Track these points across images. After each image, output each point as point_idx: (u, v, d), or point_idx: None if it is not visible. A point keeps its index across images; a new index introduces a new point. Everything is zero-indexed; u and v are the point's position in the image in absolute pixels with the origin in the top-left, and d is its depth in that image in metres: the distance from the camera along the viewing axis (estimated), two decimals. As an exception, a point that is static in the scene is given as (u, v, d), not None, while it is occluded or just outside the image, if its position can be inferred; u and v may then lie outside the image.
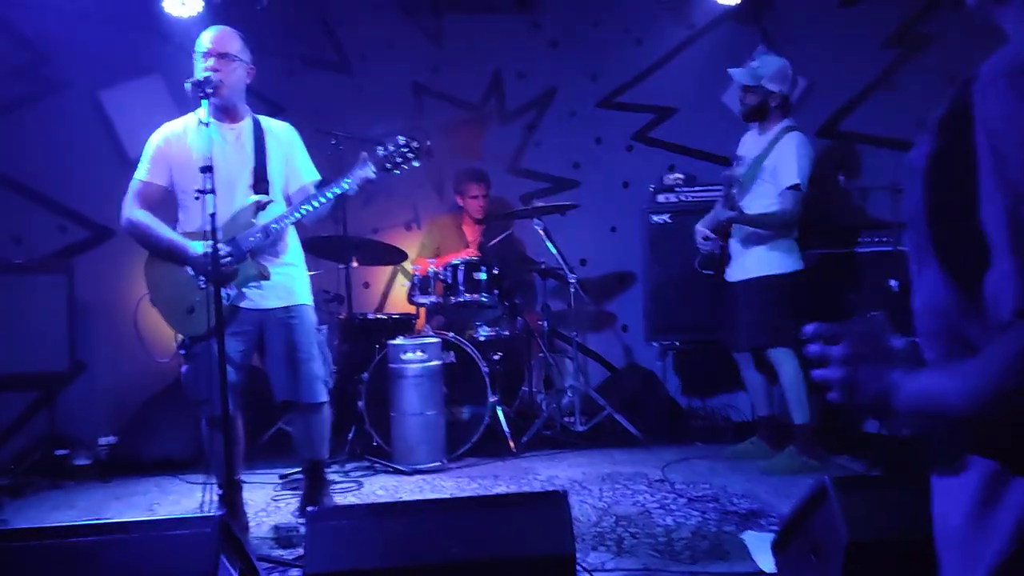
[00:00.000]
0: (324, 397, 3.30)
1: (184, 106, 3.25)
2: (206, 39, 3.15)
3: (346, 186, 3.14)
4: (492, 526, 1.97)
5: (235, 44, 3.20)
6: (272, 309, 3.21)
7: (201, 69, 3.08)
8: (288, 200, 3.29)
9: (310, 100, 5.64)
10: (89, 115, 5.04)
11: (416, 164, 3.26)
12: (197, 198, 2.76)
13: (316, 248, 4.77)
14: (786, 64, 4.15)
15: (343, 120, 5.22)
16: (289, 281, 3.26)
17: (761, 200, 4.09)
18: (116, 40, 5.02)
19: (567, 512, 2.02)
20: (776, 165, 4.06)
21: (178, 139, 3.19)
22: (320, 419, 3.32)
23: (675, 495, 3.55)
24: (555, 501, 2.03)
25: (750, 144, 4.27)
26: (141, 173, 3.19)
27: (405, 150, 3.22)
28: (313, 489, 3.38)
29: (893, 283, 4.10)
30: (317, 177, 3.35)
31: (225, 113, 3.20)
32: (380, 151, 3.23)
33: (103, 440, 4.60)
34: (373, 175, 3.19)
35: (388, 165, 3.22)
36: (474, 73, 5.84)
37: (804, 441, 4.04)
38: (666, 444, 4.61)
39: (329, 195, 3.14)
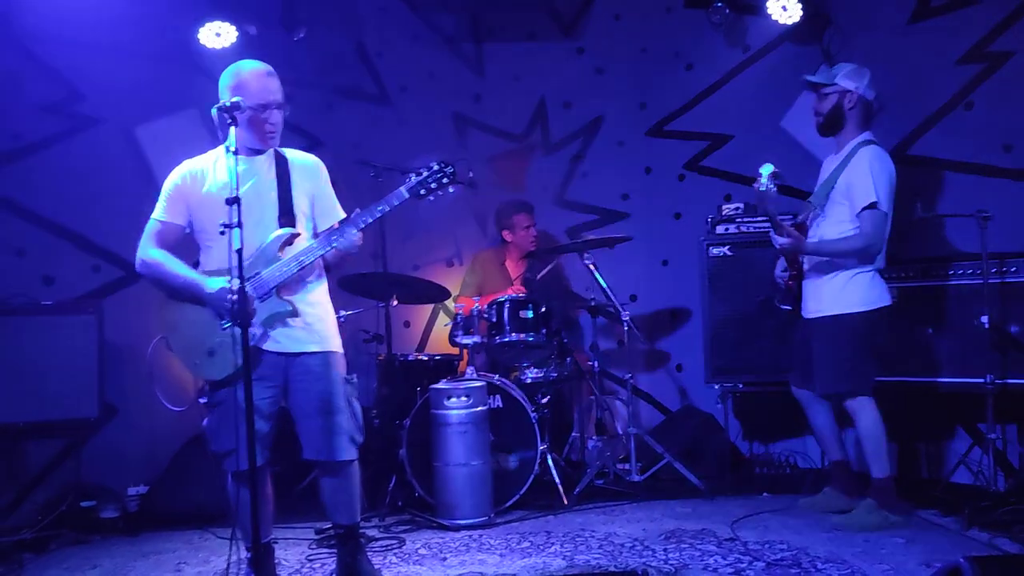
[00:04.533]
0: (352, 455, 3.01)
1: (220, 141, 3.05)
2: (269, 89, 2.96)
3: (378, 213, 2.97)
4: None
5: None
6: (299, 355, 2.97)
7: (266, 120, 2.95)
8: (316, 237, 3.07)
9: (349, 133, 5.48)
10: (124, 151, 4.90)
11: (451, 190, 3.06)
12: (222, 232, 2.53)
13: (354, 286, 4.54)
14: (864, 69, 3.81)
15: (383, 153, 5.02)
16: (318, 324, 3.02)
17: (838, 225, 3.71)
18: (150, 75, 4.89)
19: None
20: (850, 183, 3.67)
21: (199, 176, 3.01)
22: (349, 479, 3.04)
23: (751, 557, 3.19)
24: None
25: (824, 169, 3.94)
26: (158, 212, 3.02)
27: (440, 175, 3.03)
28: (348, 556, 3.06)
29: (984, 319, 3.72)
30: (343, 215, 3.12)
31: (251, 148, 3.02)
32: (414, 177, 3.03)
33: (132, 490, 4.38)
34: (405, 196, 3.00)
35: (422, 191, 3.01)
36: (517, 102, 5.64)
37: (884, 494, 3.66)
38: (730, 495, 4.25)
39: (360, 224, 2.96)
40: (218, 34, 4.79)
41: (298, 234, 2.98)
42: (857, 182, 3.66)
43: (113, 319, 4.40)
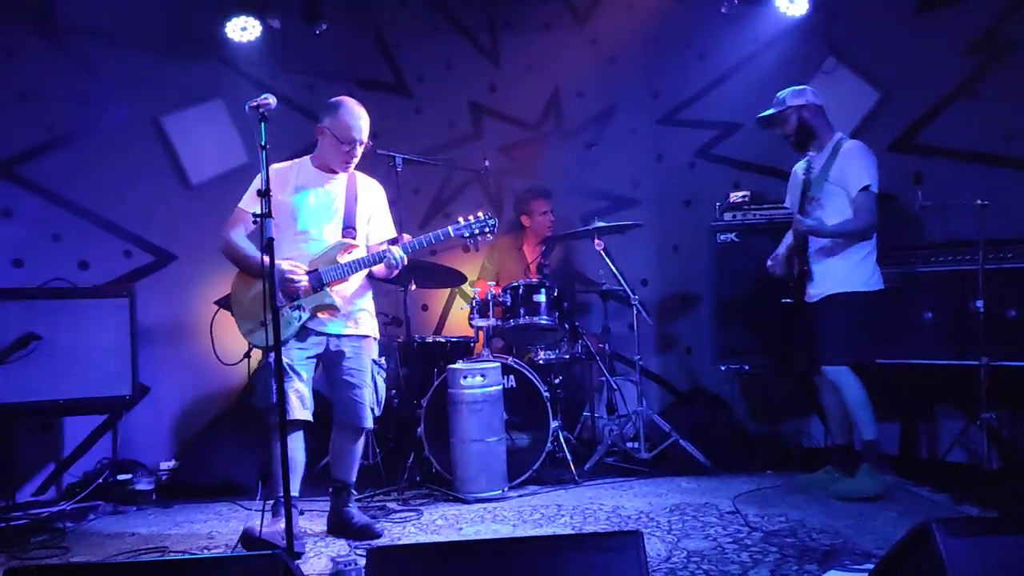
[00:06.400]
0: (370, 424, 3.60)
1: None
2: (365, 129, 3.51)
3: (425, 243, 3.56)
4: (563, 569, 1.85)
5: None
6: (338, 335, 3.53)
7: (347, 152, 3.48)
8: (367, 250, 3.61)
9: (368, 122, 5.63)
10: (152, 141, 5.10)
11: (490, 239, 3.69)
12: (255, 222, 2.75)
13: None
14: (800, 86, 4.13)
15: (401, 142, 5.19)
16: (357, 313, 3.59)
17: (839, 212, 3.94)
18: (178, 67, 5.08)
19: (643, 555, 1.88)
20: (843, 172, 3.93)
21: (281, 179, 3.49)
22: (357, 445, 3.61)
23: (749, 528, 3.36)
24: (630, 542, 1.90)
25: (815, 166, 4.10)
26: (245, 203, 3.49)
27: (482, 224, 3.62)
28: (339, 505, 3.58)
29: (979, 303, 3.85)
30: (393, 234, 3.73)
31: (327, 168, 3.57)
32: (460, 222, 3.63)
33: (164, 464, 4.61)
34: (451, 235, 3.60)
35: (466, 234, 3.63)
36: (532, 92, 5.77)
37: (873, 454, 3.88)
38: (735, 472, 4.41)
39: (408, 250, 3.54)
40: (244, 28, 4.98)
41: (356, 245, 3.55)
42: (850, 169, 3.91)
43: (144, 302, 4.61)
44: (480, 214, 3.64)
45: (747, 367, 4.76)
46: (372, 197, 3.68)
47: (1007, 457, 4.07)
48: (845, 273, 3.93)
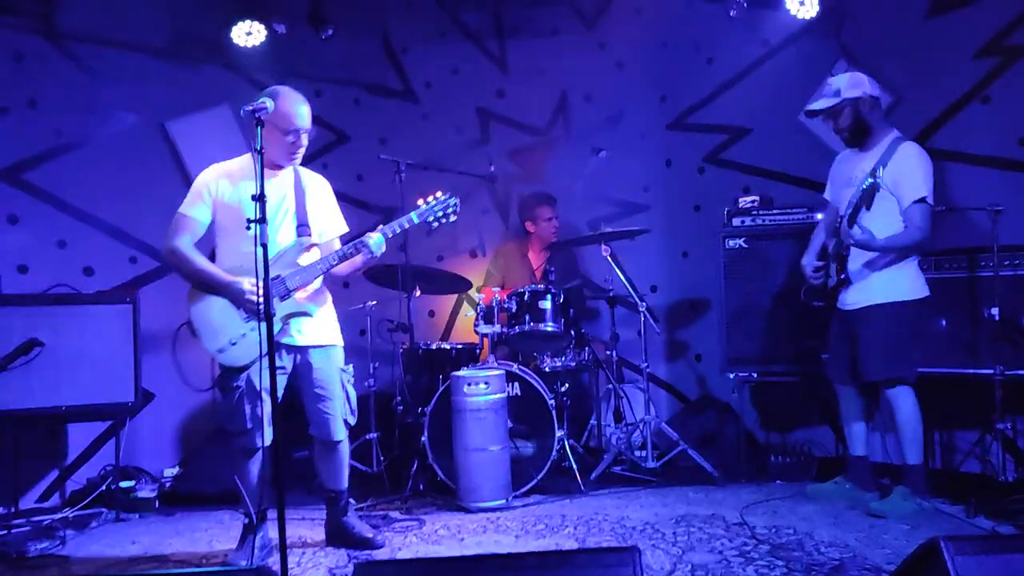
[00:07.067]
0: (343, 435, 3.48)
1: (250, 136, 3.26)
2: (303, 116, 3.27)
3: (376, 241, 3.31)
4: (556, 586, 1.79)
5: None
6: (307, 347, 3.36)
7: (291, 143, 3.28)
8: (322, 249, 3.43)
9: (375, 128, 5.63)
10: (158, 147, 5.09)
11: (454, 219, 3.50)
12: (248, 228, 2.70)
13: (377, 277, 4.71)
14: (856, 73, 3.88)
15: (408, 148, 5.17)
16: (324, 321, 3.43)
17: (884, 218, 3.68)
18: (184, 72, 5.08)
19: (640, 571, 1.82)
20: (897, 178, 3.69)
21: (228, 178, 3.31)
22: (338, 454, 3.49)
23: (756, 541, 3.29)
24: (626, 559, 1.84)
25: (850, 165, 3.93)
26: (186, 207, 3.31)
27: (444, 205, 3.48)
28: (336, 515, 3.53)
29: (994, 311, 3.77)
30: (346, 229, 3.56)
31: (272, 164, 3.33)
32: (421, 206, 3.47)
33: (168, 471, 4.59)
34: (412, 223, 3.43)
35: (430, 218, 3.46)
36: (540, 97, 5.74)
37: (917, 480, 3.74)
38: (744, 482, 4.35)
39: (389, 234, 3.37)
40: (249, 33, 4.97)
41: (316, 244, 3.37)
42: (905, 178, 3.69)
43: (148, 308, 4.58)
44: (439, 194, 3.49)
45: (755, 375, 4.68)
46: (320, 191, 3.49)
47: (1023, 467, 3.98)
48: (889, 281, 3.74)
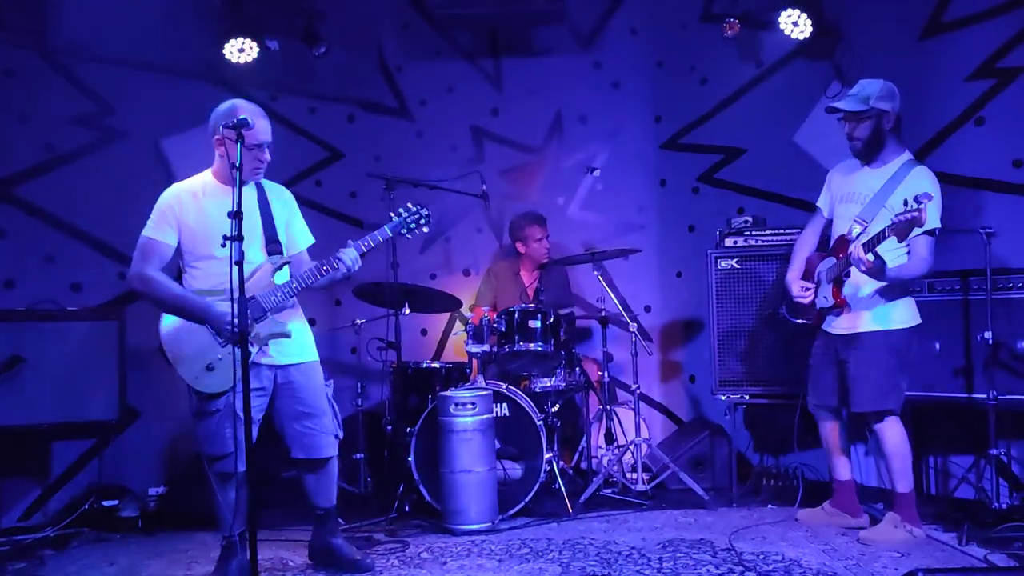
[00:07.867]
0: (335, 451, 3.39)
1: (216, 152, 3.24)
2: (266, 130, 3.18)
3: (351, 256, 3.24)
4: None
5: None
6: (287, 366, 3.28)
7: (254, 157, 3.15)
8: (292, 264, 3.35)
9: (369, 146, 5.61)
10: (150, 163, 5.07)
11: (426, 230, 3.47)
12: (223, 245, 2.65)
13: (367, 295, 4.67)
14: (888, 84, 3.65)
15: (402, 165, 5.15)
16: (302, 338, 3.35)
17: (883, 245, 3.43)
18: (176, 89, 5.07)
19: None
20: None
21: (192, 198, 3.20)
22: (329, 471, 3.41)
23: (743, 567, 3.22)
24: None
25: (854, 179, 3.77)
26: (152, 231, 3.18)
27: (415, 216, 3.44)
28: (325, 534, 3.44)
29: (987, 335, 3.72)
30: (312, 241, 3.46)
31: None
32: (393, 218, 3.42)
33: (152, 491, 4.52)
34: (385, 236, 3.36)
35: (403, 230, 3.42)
36: (535, 116, 5.73)
37: (908, 509, 3.63)
38: (735, 506, 4.29)
39: (363, 249, 3.29)
40: (241, 50, 4.96)
41: (288, 261, 3.28)
42: None
43: (136, 325, 4.54)
44: (410, 205, 3.44)
45: (746, 397, 4.63)
46: (283, 203, 3.38)
47: (1017, 493, 3.91)
48: (884, 309, 3.61)
